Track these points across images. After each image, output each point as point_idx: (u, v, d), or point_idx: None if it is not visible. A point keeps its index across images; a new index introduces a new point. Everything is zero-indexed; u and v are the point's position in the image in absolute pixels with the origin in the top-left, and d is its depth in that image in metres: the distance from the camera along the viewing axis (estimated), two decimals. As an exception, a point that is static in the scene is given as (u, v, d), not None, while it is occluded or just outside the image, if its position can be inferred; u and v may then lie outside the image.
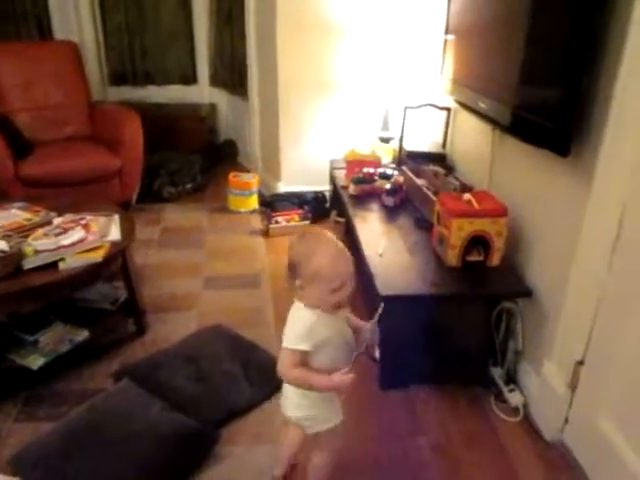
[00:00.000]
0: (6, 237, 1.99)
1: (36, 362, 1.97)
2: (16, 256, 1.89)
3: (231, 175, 3.68)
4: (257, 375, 2.05)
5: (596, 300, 1.62)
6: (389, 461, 1.77)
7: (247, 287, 2.76)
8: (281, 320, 2.43)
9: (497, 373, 2.10)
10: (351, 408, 1.98)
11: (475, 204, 1.98)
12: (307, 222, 3.40)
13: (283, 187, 3.74)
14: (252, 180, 3.67)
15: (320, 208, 3.53)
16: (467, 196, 2.02)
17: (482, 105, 2.16)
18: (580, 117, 1.60)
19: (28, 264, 1.89)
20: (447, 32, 2.58)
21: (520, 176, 2.10)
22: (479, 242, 1.99)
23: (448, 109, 2.85)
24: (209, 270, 2.93)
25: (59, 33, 4.31)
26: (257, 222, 3.53)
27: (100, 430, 1.74)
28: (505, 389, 2.04)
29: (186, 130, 4.33)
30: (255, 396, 1.97)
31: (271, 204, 3.53)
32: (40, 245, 1.93)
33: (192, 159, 4.09)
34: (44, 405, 1.94)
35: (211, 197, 3.96)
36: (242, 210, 3.65)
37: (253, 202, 3.68)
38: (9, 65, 3.53)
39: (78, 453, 1.66)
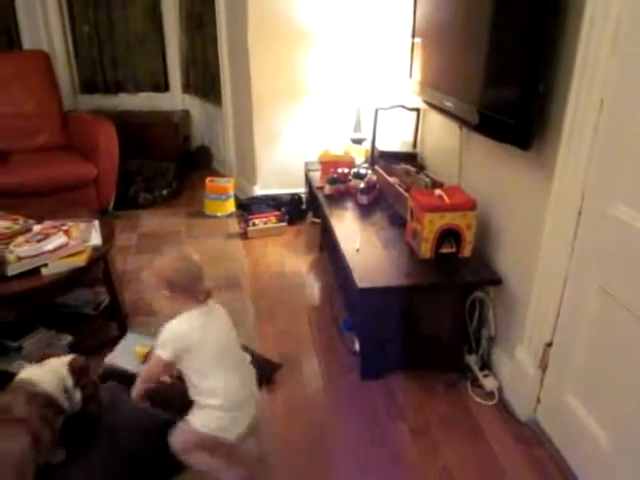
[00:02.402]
0: (-13, 245, 2.01)
1: (21, 368, 1.98)
2: (-1, 263, 1.91)
3: (207, 180, 3.72)
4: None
5: (561, 284, 1.72)
6: (370, 446, 1.85)
7: (227, 288, 2.81)
8: (262, 317, 2.53)
9: (472, 360, 2.19)
10: (332, 398, 2.07)
11: (446, 199, 2.07)
12: (284, 224, 3.46)
13: (259, 190, 3.79)
14: (228, 184, 3.72)
15: (296, 209, 3.60)
16: (438, 191, 2.11)
17: (449, 105, 2.25)
18: (540, 113, 1.71)
19: (11, 271, 1.91)
20: (414, 35, 2.68)
21: (487, 171, 2.21)
22: (451, 235, 2.08)
23: (417, 110, 2.95)
24: (189, 273, 2.96)
25: (28, 43, 4.29)
26: (234, 225, 3.58)
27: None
28: (480, 374, 2.13)
29: (160, 137, 4.34)
30: (240, 391, 2.02)
31: (248, 207, 3.58)
32: (22, 252, 1.95)
33: (166, 165, 4.12)
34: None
35: (187, 202, 3.99)
36: (219, 214, 3.70)
37: (230, 206, 3.73)
38: (-21, 76, 3.52)
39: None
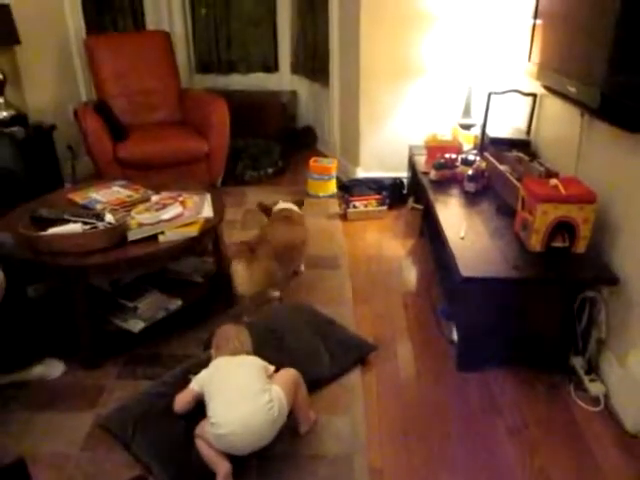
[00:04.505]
0: (112, 211, 2.17)
1: (137, 326, 2.15)
2: (122, 228, 2.06)
3: (312, 160, 3.77)
4: (337, 349, 2.13)
5: (689, 289, 1.58)
6: (462, 439, 1.81)
7: (326, 268, 2.85)
8: (359, 299, 2.55)
9: (577, 362, 2.07)
10: (426, 386, 2.05)
11: (562, 189, 1.95)
12: (384, 207, 3.45)
13: (361, 173, 3.80)
14: (332, 165, 3.75)
15: (397, 194, 3.57)
16: (554, 181, 2.00)
17: (571, 89, 2.11)
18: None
19: (132, 236, 2.06)
20: (536, 16, 2.53)
21: (609, 162, 2.06)
22: (564, 228, 1.97)
23: (534, 95, 2.80)
24: (289, 251, 3.04)
25: (151, 24, 4.57)
26: (335, 206, 3.62)
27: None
28: (585, 378, 2.01)
29: (267, 116, 4.47)
30: (335, 368, 2.06)
31: (349, 189, 3.59)
32: (143, 219, 2.09)
33: (272, 144, 4.23)
34: (142, 365, 2.12)
35: (290, 181, 4.08)
36: (321, 194, 3.75)
37: (332, 187, 3.77)
38: (109, 54, 3.78)
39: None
